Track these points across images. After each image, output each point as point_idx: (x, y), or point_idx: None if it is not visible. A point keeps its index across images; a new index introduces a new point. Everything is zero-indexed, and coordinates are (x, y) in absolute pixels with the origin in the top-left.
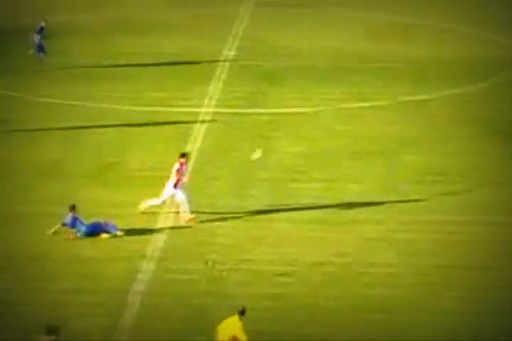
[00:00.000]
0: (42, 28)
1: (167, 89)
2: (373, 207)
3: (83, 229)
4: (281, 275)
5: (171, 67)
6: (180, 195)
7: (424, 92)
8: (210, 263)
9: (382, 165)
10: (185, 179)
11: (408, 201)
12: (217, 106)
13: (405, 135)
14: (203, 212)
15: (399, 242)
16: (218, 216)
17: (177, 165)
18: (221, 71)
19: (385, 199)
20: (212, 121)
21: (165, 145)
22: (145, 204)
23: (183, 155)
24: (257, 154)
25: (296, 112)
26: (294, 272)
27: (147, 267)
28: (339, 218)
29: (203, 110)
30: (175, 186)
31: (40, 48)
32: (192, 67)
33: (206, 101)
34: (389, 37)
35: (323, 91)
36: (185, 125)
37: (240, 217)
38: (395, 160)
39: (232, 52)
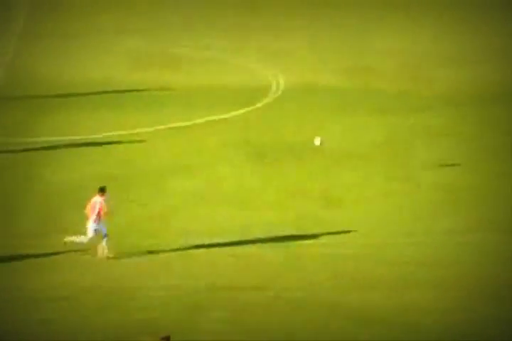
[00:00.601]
0: None
1: None
2: (147, 232)
3: None
4: (54, 300)
5: None
6: (104, 229)
7: (191, 118)
8: None
9: (150, 192)
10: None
11: (183, 224)
12: None
13: (174, 162)
14: None
15: (171, 264)
16: None
17: (100, 201)
18: None
19: (159, 225)
20: None
21: None
22: (71, 238)
23: (102, 189)
24: (318, 140)
25: (68, 140)
26: (67, 297)
27: None
28: (112, 243)
29: None
30: (97, 221)
31: None
32: None
33: None
34: (155, 65)
35: (93, 121)
36: None
37: (12, 243)
38: (163, 187)
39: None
